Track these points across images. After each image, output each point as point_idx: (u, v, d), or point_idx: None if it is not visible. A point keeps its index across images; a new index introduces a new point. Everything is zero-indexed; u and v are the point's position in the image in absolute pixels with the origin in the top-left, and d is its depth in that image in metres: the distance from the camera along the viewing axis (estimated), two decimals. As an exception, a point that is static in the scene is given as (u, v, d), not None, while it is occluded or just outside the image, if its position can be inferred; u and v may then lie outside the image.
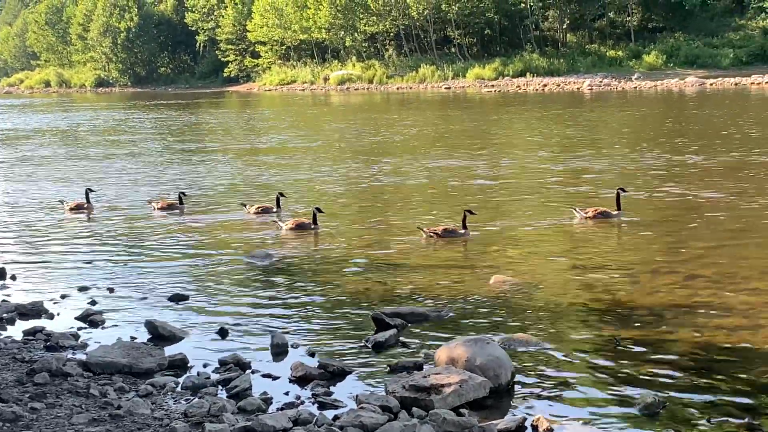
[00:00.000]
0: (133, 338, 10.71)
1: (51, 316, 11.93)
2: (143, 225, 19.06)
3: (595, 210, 17.66)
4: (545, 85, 75.62)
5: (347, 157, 31.05)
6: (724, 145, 28.51)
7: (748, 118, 38.84)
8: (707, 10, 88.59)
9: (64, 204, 21.43)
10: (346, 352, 10.12)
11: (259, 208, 19.66)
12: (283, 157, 31.78)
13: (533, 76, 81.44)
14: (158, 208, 20.58)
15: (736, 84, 64.13)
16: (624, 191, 18.20)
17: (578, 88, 70.44)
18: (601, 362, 9.52)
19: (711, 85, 65.15)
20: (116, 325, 11.48)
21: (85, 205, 21.12)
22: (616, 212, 17.62)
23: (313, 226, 17.54)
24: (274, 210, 19.61)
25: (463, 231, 16.36)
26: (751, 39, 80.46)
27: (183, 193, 21.25)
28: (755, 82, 63.69)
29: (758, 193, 19.52)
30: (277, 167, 28.62)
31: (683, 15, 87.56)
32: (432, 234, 16.32)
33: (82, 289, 13.41)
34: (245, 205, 20.04)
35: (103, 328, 11.41)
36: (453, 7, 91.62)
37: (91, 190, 21.80)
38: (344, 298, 12.49)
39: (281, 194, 20.21)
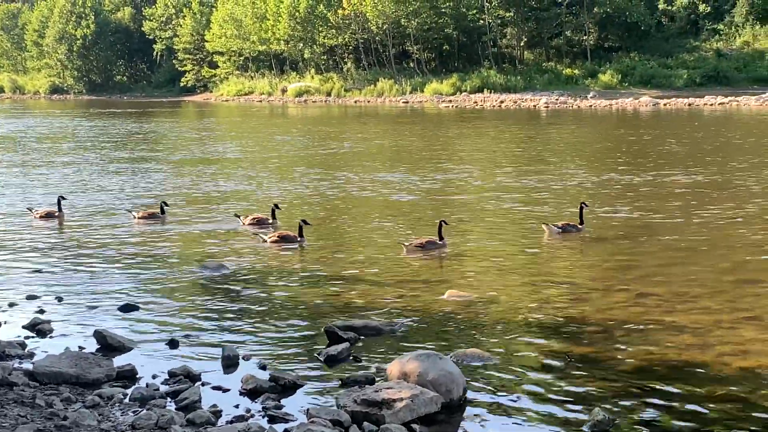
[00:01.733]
0: (81, 348, 10.56)
1: (-3, 325, 11.71)
2: (96, 234, 18.81)
3: (565, 223, 17.99)
4: (502, 102, 76.01)
5: (303, 170, 30.93)
6: (676, 165, 28.82)
7: (700, 138, 39.34)
8: (662, 31, 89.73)
9: (33, 212, 21.01)
10: (298, 365, 10.04)
11: (254, 219, 19.30)
12: (239, 168, 31.58)
13: (490, 92, 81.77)
14: (139, 218, 20.27)
15: (689, 104, 64.94)
16: (586, 205, 18.59)
17: (535, 106, 70.92)
18: (553, 379, 9.55)
19: (665, 105, 65.90)
20: (64, 335, 11.32)
21: (56, 213, 20.72)
22: (580, 226, 17.96)
23: (298, 239, 17.29)
24: (270, 221, 19.22)
25: (441, 242, 16.44)
26: (705, 60, 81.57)
27: (164, 203, 20.90)
28: (708, 103, 64.53)
29: (709, 213, 19.74)
30: (234, 178, 28.44)
31: (639, 35, 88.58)
32: (417, 247, 16.24)
33: (31, 297, 13.21)
34: (239, 216, 19.70)
35: (51, 337, 11.24)
36: (412, 22, 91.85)
37: (63, 198, 21.39)
38: (298, 310, 12.41)
39: (276, 206, 19.77)
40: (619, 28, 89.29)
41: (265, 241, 17.33)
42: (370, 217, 20.78)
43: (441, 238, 16.52)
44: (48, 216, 20.62)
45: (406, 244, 16.45)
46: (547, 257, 15.88)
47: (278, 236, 17.36)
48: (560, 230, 17.77)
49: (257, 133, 50.77)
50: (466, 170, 29.01)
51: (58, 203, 21.00)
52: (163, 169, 31.64)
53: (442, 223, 16.77)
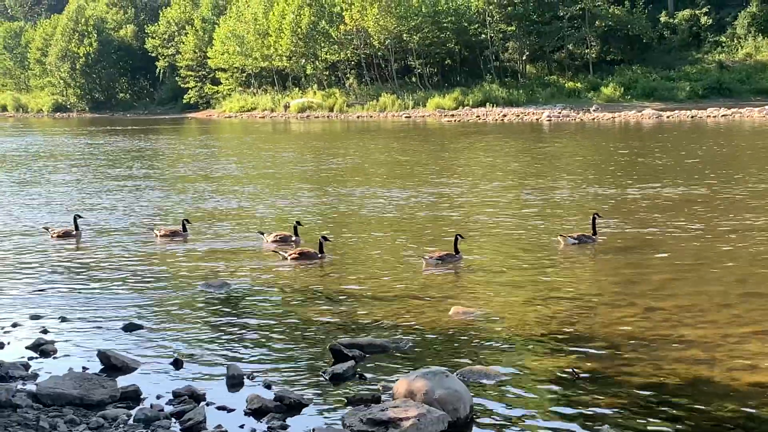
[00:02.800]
0: (85, 369, 10.49)
1: (1, 346, 11.65)
2: (100, 252, 18.75)
3: (580, 234, 18.22)
4: (505, 116, 76.03)
5: (309, 186, 30.92)
6: (681, 177, 28.75)
7: (704, 151, 39.28)
8: (665, 44, 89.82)
9: (49, 231, 20.84)
10: (304, 383, 9.97)
11: (277, 236, 19.15)
12: (248, 185, 31.55)
13: (493, 106, 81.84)
14: (161, 236, 20.17)
15: (692, 117, 64.93)
16: (599, 216, 18.80)
17: (537, 119, 70.94)
18: (560, 395, 9.47)
19: (668, 117, 65.88)
20: (68, 355, 11.25)
21: (74, 232, 20.59)
22: (594, 236, 18.20)
23: (319, 255, 17.19)
24: (293, 239, 19.06)
25: (457, 255, 16.52)
26: (707, 73, 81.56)
27: (186, 220, 20.77)
28: (711, 116, 64.50)
29: (716, 226, 19.67)
30: (243, 195, 28.39)
31: (641, 48, 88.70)
32: (438, 260, 16.30)
33: (34, 317, 13.15)
34: (263, 233, 19.56)
35: (54, 358, 11.18)
36: (414, 37, 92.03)
37: (79, 216, 21.24)
38: (302, 328, 12.34)
39: (298, 222, 19.58)
40: (621, 41, 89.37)
41: (286, 258, 17.23)
42: (374, 232, 20.70)
43: (457, 252, 16.60)
44: (66, 235, 20.44)
45: (426, 257, 16.46)
46: (552, 272, 15.80)
47: (299, 253, 17.27)
48: (576, 241, 17.91)
49: (262, 149, 50.77)
50: (469, 185, 28.96)
51: (75, 222, 20.85)
52: (171, 187, 31.63)
53: (458, 237, 16.86)
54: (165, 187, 31.69)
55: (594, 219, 18.52)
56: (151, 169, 39.84)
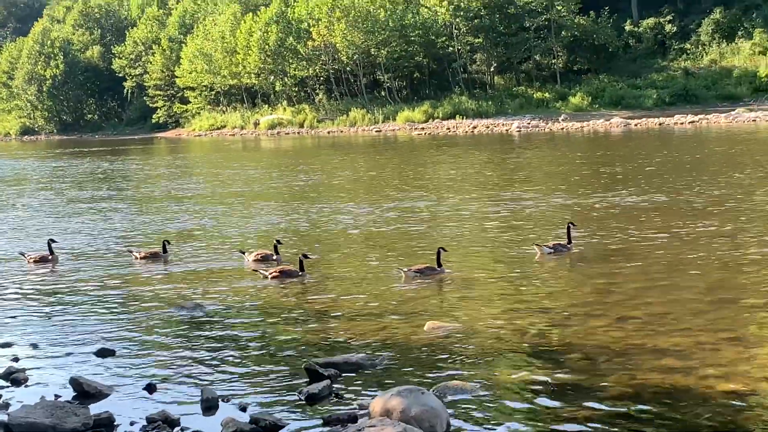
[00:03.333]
0: (57, 396, 10.36)
1: (-29, 375, 11.48)
2: (71, 276, 18.56)
3: (555, 243, 18.41)
4: (475, 127, 76.32)
5: (279, 203, 30.81)
6: (650, 185, 28.93)
7: (673, 158, 39.58)
8: (630, 52, 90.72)
9: (26, 256, 20.45)
10: (279, 405, 9.90)
11: (258, 255, 18.99)
12: (221, 204, 31.42)
13: (463, 118, 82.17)
14: (141, 258, 19.94)
15: (660, 124, 65.45)
16: (574, 225, 18.98)
17: (507, 130, 71.26)
18: (537, 408, 9.47)
19: (636, 125, 66.38)
20: (40, 383, 11.11)
21: (50, 257, 20.20)
22: (569, 245, 18.39)
23: (300, 273, 17.11)
24: (274, 257, 18.90)
25: (439, 269, 16.58)
26: (673, 80, 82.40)
27: (167, 241, 20.53)
28: (678, 122, 65.06)
29: (684, 233, 19.78)
30: (217, 214, 28.26)
31: (607, 57, 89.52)
32: (416, 273, 16.42)
33: (5, 345, 12.96)
34: (244, 252, 19.41)
35: (26, 386, 11.03)
36: (382, 51, 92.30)
37: (53, 241, 20.81)
38: (277, 348, 12.26)
39: (278, 241, 19.38)
40: (587, 50, 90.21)
41: (266, 277, 17.14)
42: (347, 249, 20.67)
43: (439, 265, 16.65)
44: (42, 260, 20.09)
45: (405, 270, 16.52)
46: (525, 283, 15.80)
47: (279, 271, 17.18)
48: (552, 250, 18.04)
49: (232, 168, 50.57)
50: (441, 198, 28.98)
51: (49, 246, 20.44)
52: (142, 208, 31.41)
53: (441, 250, 16.93)
54: (136, 208, 31.49)
55: (569, 228, 18.65)
56: (121, 190, 39.60)
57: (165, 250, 20.20)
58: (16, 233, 25.95)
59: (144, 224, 26.72)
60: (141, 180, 45.54)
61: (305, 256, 17.39)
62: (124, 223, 27.03)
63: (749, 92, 77.08)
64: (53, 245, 20.51)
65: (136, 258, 20.04)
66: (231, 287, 16.69)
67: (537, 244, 18.35)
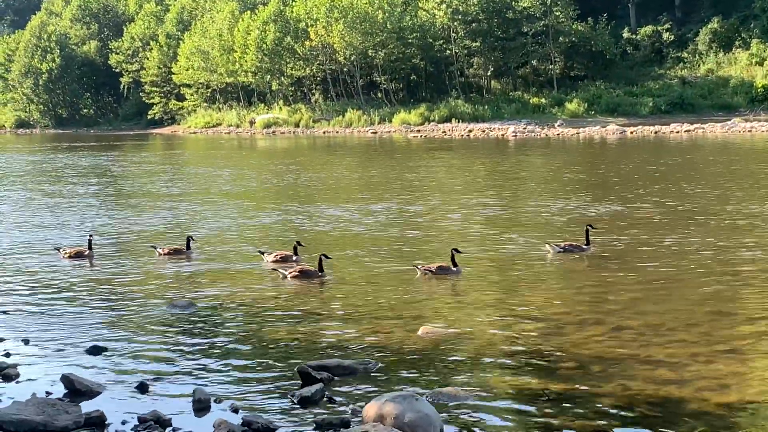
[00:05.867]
0: (48, 393, 10.30)
1: (-39, 370, 11.40)
2: (65, 273, 18.46)
3: (566, 243, 18.99)
4: (470, 131, 76.29)
5: (277, 203, 30.75)
6: (647, 193, 28.92)
7: (669, 166, 39.60)
8: (627, 60, 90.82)
9: (61, 251, 20.30)
10: (272, 407, 9.84)
11: (277, 255, 18.80)
12: (210, 202, 31.32)
13: (459, 121, 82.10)
14: (164, 254, 19.79)
15: (655, 132, 65.48)
16: (592, 227, 19.45)
17: (503, 135, 71.23)
18: (531, 416, 9.43)
19: (632, 133, 66.39)
20: (31, 379, 11.05)
21: (86, 252, 20.01)
22: (585, 246, 18.83)
23: (319, 274, 17.03)
24: (294, 258, 18.73)
25: (455, 269, 16.82)
26: (669, 88, 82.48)
27: (191, 237, 20.38)
28: (674, 131, 65.08)
29: (680, 242, 19.75)
30: (208, 213, 28.17)
31: (604, 64, 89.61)
32: (427, 271, 16.76)
33: (-4, 340, 12.90)
34: (263, 253, 19.22)
35: (17, 382, 10.97)
36: (379, 53, 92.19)
37: (92, 237, 20.54)
38: (270, 350, 12.21)
39: (299, 243, 19.25)
40: (584, 57, 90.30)
41: (286, 277, 17.07)
42: (342, 251, 20.58)
43: (455, 265, 16.90)
44: (78, 255, 19.86)
45: (420, 267, 16.97)
46: (521, 290, 15.75)
47: (299, 271, 17.12)
48: (561, 250, 18.58)
49: (229, 166, 50.46)
50: (437, 202, 28.93)
51: (89, 243, 20.17)
52: (145, 205, 31.28)
53: (454, 251, 17.12)
54: (134, 205, 31.38)
55: (587, 230, 19.12)
56: (117, 186, 39.50)
57: (188, 247, 20.08)
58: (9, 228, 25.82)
59: (147, 221, 26.60)
60: (142, 176, 45.42)
61: (325, 256, 17.32)
62: (122, 220, 26.88)
63: (745, 102, 77.22)
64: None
65: (160, 255, 19.90)
66: (224, 287, 16.61)
67: (548, 243, 18.85)
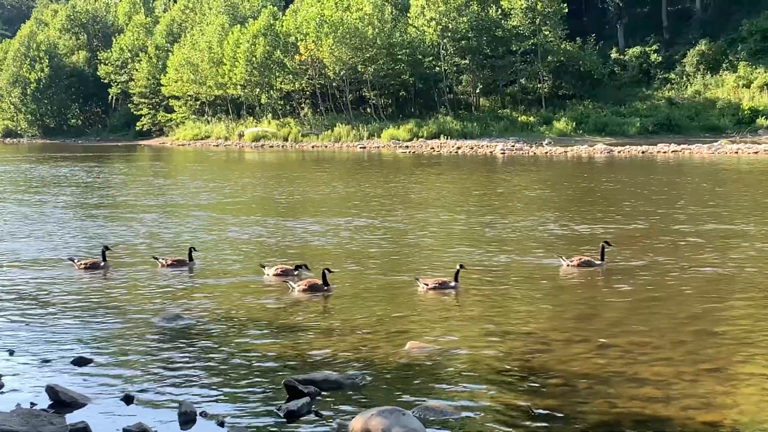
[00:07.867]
0: (33, 404, 10.25)
1: (-55, 380, 11.34)
2: (50, 283, 18.38)
3: (579, 259, 19.28)
4: (459, 148, 76.41)
5: (264, 217, 30.71)
6: (633, 212, 29.02)
7: (656, 186, 39.75)
8: (615, 80, 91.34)
9: (75, 262, 20.14)
10: (258, 421, 9.83)
11: (278, 269, 18.79)
12: (198, 214, 31.27)
13: (447, 138, 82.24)
14: (167, 265, 19.75)
15: (643, 152, 65.70)
16: (609, 244, 19.75)
17: (491, 152, 71.35)
18: (517, 433, 9.43)
19: (619, 152, 66.59)
20: (15, 390, 11.00)
21: (101, 264, 19.85)
22: (599, 262, 19.18)
23: (325, 287, 17.09)
24: (295, 272, 18.65)
25: (454, 284, 17.10)
26: (657, 109, 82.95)
27: (193, 248, 20.28)
28: (661, 151, 65.34)
29: (666, 261, 19.81)
30: (198, 225, 28.13)
31: (592, 84, 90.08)
32: (426, 285, 16.98)
33: (-19, 350, 12.84)
34: (264, 267, 19.15)
35: (1, 393, 10.92)
36: (369, 68, 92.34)
37: (107, 248, 20.41)
38: (257, 363, 12.18)
39: (305, 266, 19.04)
40: (572, 76, 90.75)
41: (294, 290, 17.12)
42: (330, 265, 20.54)
43: (456, 280, 17.21)
44: (93, 267, 19.71)
45: (420, 281, 17.17)
46: (508, 306, 15.77)
47: (307, 285, 17.18)
48: (570, 264, 19.09)
49: (217, 179, 50.39)
50: (426, 218, 28.92)
51: (103, 254, 20.03)
52: (133, 216, 31.20)
53: (460, 266, 17.42)
54: (121, 216, 31.30)
55: (603, 247, 19.45)
56: (104, 198, 39.38)
57: (191, 258, 20.04)
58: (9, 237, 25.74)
59: (135, 233, 26.52)
60: (130, 188, 45.30)
61: (328, 270, 17.39)
62: (112, 231, 26.81)
63: (732, 124, 77.74)
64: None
65: (162, 266, 19.86)
66: (212, 300, 16.58)
67: (560, 256, 19.31)
